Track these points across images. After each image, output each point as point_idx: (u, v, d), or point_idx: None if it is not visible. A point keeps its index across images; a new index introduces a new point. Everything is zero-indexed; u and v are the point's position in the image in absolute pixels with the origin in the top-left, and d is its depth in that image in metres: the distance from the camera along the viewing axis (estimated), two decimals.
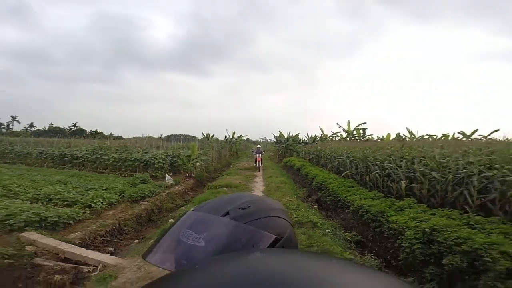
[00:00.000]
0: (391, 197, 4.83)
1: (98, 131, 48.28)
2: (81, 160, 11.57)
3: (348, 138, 16.81)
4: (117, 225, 4.69)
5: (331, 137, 19.37)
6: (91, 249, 3.77)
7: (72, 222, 4.42)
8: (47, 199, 5.57)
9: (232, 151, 22.78)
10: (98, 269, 3.12)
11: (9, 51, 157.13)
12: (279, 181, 8.92)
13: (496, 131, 7.62)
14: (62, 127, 47.49)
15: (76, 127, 49.00)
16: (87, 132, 47.02)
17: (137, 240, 4.54)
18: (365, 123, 16.41)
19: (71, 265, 3.28)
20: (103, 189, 6.44)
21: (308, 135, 23.54)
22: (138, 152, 10.92)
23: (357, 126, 17.01)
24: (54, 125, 48.22)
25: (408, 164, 5.05)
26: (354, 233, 4.18)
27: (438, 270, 2.69)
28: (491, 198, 3.47)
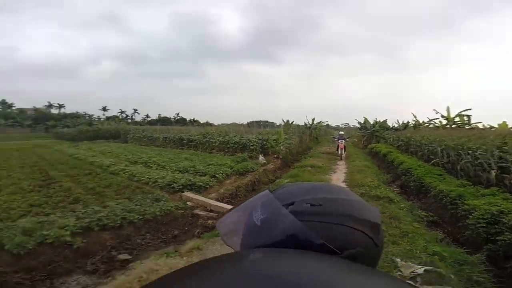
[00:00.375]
0: (481, 187, 5.00)
1: (195, 119, 56.90)
2: (194, 143, 14.83)
3: (448, 126, 15.17)
4: (234, 191, 6.59)
5: (426, 124, 17.74)
6: None
7: (207, 186, 6.53)
8: (186, 171, 8.03)
9: (311, 136, 23.53)
10: None
11: (116, 54, 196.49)
12: (362, 165, 9.46)
13: None
14: (168, 117, 57.83)
15: (179, 116, 58.81)
16: (187, 120, 56.08)
17: None
18: (469, 109, 14.52)
19: (216, 214, 5.18)
20: (218, 164, 8.65)
21: (398, 122, 22.01)
22: (236, 136, 13.25)
23: (460, 112, 15.09)
24: (162, 115, 59.04)
25: (501, 154, 5.04)
26: (431, 214, 4.72)
27: (495, 246, 3.17)
28: None
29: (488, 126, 13.19)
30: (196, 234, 4.45)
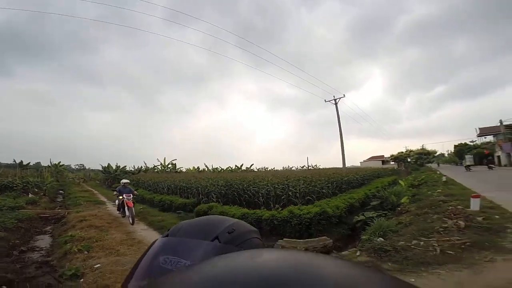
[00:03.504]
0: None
1: None
2: None
3: (164, 170, 26.77)
4: (44, 209, 11.33)
5: (153, 169, 28.58)
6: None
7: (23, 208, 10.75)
8: None
9: (55, 178, 26.23)
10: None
11: None
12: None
13: (252, 165, 20.81)
14: None
15: None
16: None
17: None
18: (175, 159, 27.35)
19: (52, 215, 10.27)
20: None
21: (134, 166, 31.56)
22: None
23: (171, 161, 27.52)
24: None
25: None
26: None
27: None
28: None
29: (185, 170, 26.21)
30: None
